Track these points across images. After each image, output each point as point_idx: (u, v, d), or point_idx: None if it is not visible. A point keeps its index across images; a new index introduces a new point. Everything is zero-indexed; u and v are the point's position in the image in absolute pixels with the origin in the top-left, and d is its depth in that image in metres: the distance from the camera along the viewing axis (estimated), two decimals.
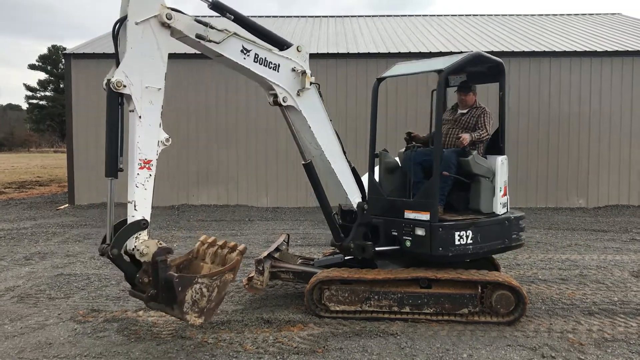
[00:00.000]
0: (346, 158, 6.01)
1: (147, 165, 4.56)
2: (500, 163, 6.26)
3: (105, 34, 18.08)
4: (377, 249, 5.95)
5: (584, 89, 15.06)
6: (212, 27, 4.86)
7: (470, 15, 22.29)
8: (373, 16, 22.12)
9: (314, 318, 5.73)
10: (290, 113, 5.67)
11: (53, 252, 9.26)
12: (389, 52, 15.11)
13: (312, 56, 15.61)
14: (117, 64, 4.48)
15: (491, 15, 22.14)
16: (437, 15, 22.32)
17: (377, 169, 6.39)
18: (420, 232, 5.76)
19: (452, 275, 5.69)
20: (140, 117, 4.51)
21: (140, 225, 4.48)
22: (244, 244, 9.88)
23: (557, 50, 15.23)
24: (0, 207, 15.48)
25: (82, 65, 15.30)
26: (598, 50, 15.14)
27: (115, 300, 6.48)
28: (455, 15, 22.20)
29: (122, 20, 4.50)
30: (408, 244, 5.85)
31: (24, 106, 71.57)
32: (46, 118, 65.70)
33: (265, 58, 5.30)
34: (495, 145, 6.47)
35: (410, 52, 14.98)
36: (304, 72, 5.51)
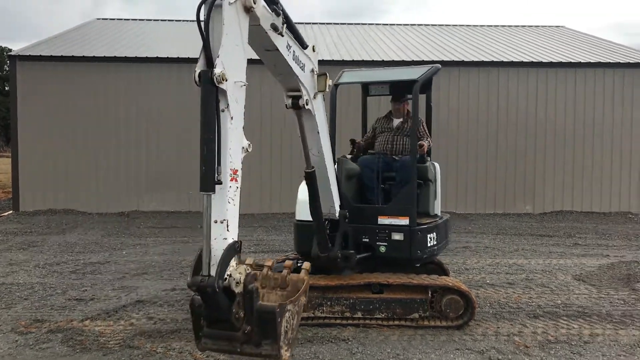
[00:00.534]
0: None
1: (235, 176, 3.71)
2: (438, 169, 6.72)
3: (53, 36, 17.59)
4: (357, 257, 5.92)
5: (530, 99, 15.55)
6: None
7: (422, 25, 22.73)
8: (328, 24, 22.25)
9: None
10: (305, 117, 5.16)
11: None
12: (343, 60, 15.23)
13: (258, 61, 15.67)
14: (207, 52, 3.59)
15: (442, 25, 22.63)
16: (391, 25, 22.65)
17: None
18: (398, 236, 5.89)
19: (404, 280, 5.77)
20: (232, 118, 3.66)
21: (235, 249, 3.65)
22: (197, 251, 9.75)
23: (505, 60, 15.68)
24: None
25: (27, 67, 14.80)
26: (544, 61, 15.68)
27: (60, 310, 6.27)
28: (408, 25, 22.59)
29: (208, 1, 3.62)
30: (383, 249, 5.93)
31: None
32: None
33: (299, 57, 4.67)
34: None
35: (363, 60, 15.16)
36: (321, 74, 4.99)
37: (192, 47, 16.53)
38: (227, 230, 3.58)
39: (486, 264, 8.85)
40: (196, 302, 3.58)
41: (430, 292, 5.75)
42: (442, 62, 15.17)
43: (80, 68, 14.89)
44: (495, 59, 15.75)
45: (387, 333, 5.54)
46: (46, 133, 14.88)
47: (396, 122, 6.81)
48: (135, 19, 22.25)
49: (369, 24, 22.62)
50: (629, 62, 15.64)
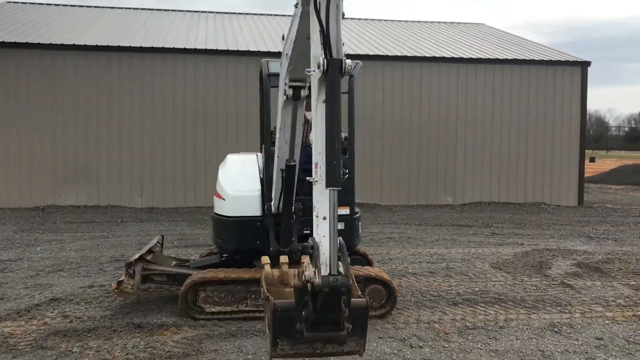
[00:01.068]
0: None
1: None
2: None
3: None
4: None
5: (451, 94, 16.05)
6: None
7: (348, 19, 22.89)
8: (253, 14, 22.01)
9: (188, 321, 5.57)
10: (300, 108, 5.07)
11: None
12: (269, 51, 15.11)
13: (190, 52, 15.32)
14: (324, 37, 3.31)
15: (367, 20, 22.90)
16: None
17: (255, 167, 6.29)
18: (340, 226, 5.88)
19: None
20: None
21: (342, 245, 3.37)
22: (117, 246, 9.40)
23: (427, 55, 16.09)
24: None
25: None
26: (464, 57, 16.21)
27: None
28: None
29: None
30: None
31: None
32: None
33: None
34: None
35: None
36: None
37: (105, 35, 15.93)
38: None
39: (409, 254, 9.07)
40: (279, 307, 3.27)
41: None
42: (367, 57, 15.47)
43: None
44: (418, 54, 16.12)
45: None
46: None
47: (308, 114, 6.81)
48: (50, 4, 21.13)
49: (289, 15, 22.51)
50: (543, 60, 16.44)
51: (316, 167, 3.33)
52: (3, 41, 14.16)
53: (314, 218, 3.36)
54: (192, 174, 14.85)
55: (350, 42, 17.70)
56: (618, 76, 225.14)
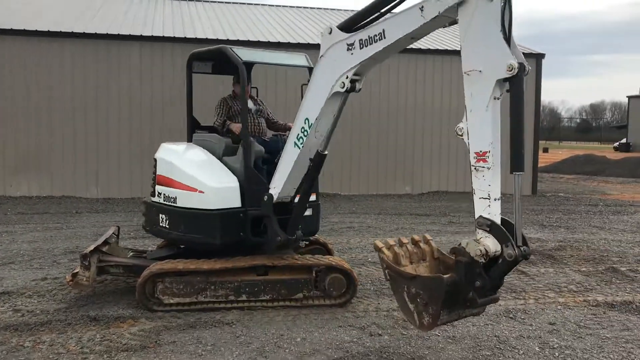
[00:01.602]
0: None
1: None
2: None
3: None
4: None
5: (409, 84, 16.21)
6: None
7: (307, 8, 22.81)
8: (212, 1, 21.66)
9: (145, 313, 5.49)
10: (345, 100, 5.32)
11: None
12: (228, 39, 14.92)
13: (147, 39, 14.98)
14: (508, 41, 3.79)
15: (327, 9, 22.85)
16: (277, 6, 22.51)
17: (239, 156, 6.13)
18: (308, 212, 6.00)
19: (289, 261, 5.80)
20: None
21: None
22: (71, 238, 9.17)
23: None
24: None
25: None
26: (422, 48, 16.33)
27: None
28: (294, 7, 22.56)
29: None
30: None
31: None
32: None
33: None
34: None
35: (249, 41, 14.94)
36: None
37: (58, 21, 15.45)
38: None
39: (368, 243, 9.14)
40: (448, 282, 3.84)
41: (314, 272, 5.82)
42: None
43: None
44: None
45: (272, 314, 5.54)
46: None
47: (251, 103, 6.76)
48: None
49: (255, 4, 22.36)
50: None
51: (485, 154, 3.87)
52: None
53: (482, 200, 3.89)
54: (149, 164, 14.52)
55: (310, 30, 17.63)
56: (571, 68, 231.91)
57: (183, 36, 14.90)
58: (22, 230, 9.84)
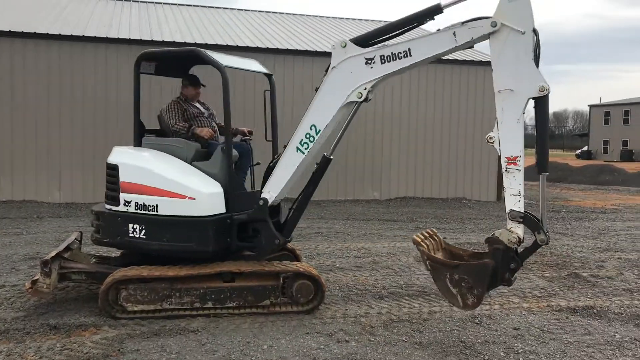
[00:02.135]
0: None
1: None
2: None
3: None
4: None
5: (377, 91, 16.23)
6: None
7: (277, 12, 22.79)
8: (180, 5, 21.46)
9: (108, 320, 5.36)
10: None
11: None
12: (196, 43, 14.77)
13: (113, 41, 14.73)
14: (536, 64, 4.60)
15: (296, 14, 22.86)
16: (245, 10, 22.43)
17: (215, 161, 6.02)
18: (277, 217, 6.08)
19: (256, 267, 5.75)
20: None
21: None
22: (31, 243, 8.92)
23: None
24: None
25: None
26: None
27: None
28: (263, 12, 22.52)
29: None
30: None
31: None
32: None
33: None
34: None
35: (217, 45, 14.81)
36: None
37: (21, 21, 15.09)
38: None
39: (336, 249, 9.14)
40: (493, 267, 4.65)
41: (281, 278, 5.77)
42: (296, 51, 15.45)
43: None
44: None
45: (238, 322, 5.48)
46: None
47: (200, 107, 6.76)
48: None
49: (223, 8, 22.22)
50: (465, 60, 16.97)
51: (516, 159, 4.61)
52: None
53: (513, 197, 4.70)
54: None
55: (278, 35, 17.60)
56: None
57: (150, 39, 14.69)
58: None
